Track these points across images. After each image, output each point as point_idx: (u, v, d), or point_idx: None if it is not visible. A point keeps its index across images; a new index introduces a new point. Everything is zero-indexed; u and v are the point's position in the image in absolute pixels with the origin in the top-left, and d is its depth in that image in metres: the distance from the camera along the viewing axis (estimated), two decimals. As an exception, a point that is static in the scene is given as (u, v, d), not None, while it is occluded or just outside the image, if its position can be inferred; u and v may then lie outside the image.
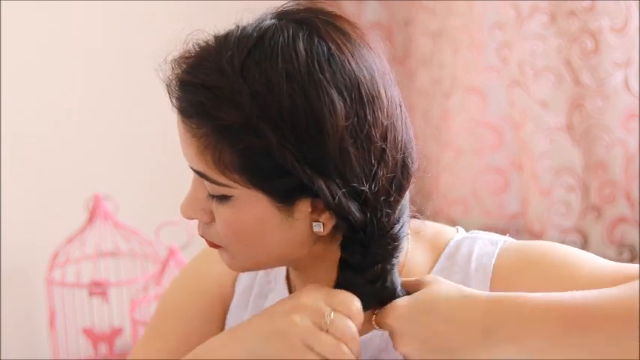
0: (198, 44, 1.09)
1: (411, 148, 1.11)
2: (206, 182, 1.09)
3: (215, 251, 1.28)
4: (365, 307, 1.08)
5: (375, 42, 1.11)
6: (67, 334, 2.28)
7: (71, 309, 2.26)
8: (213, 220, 1.12)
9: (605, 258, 2.31)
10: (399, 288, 1.10)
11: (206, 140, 1.06)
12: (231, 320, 1.28)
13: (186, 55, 1.09)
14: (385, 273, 1.09)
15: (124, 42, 2.40)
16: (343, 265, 1.10)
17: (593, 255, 1.14)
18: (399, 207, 1.10)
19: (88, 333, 2.26)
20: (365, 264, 1.08)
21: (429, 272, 1.18)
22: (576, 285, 1.07)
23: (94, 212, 2.26)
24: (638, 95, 2.15)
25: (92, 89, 2.40)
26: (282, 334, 1.06)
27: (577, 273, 1.10)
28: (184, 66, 1.08)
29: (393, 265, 1.10)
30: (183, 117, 1.08)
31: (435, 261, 1.19)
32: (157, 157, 2.40)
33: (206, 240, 1.15)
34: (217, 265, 1.27)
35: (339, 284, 1.09)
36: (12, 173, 2.30)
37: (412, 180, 1.11)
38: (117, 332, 2.27)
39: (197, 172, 1.10)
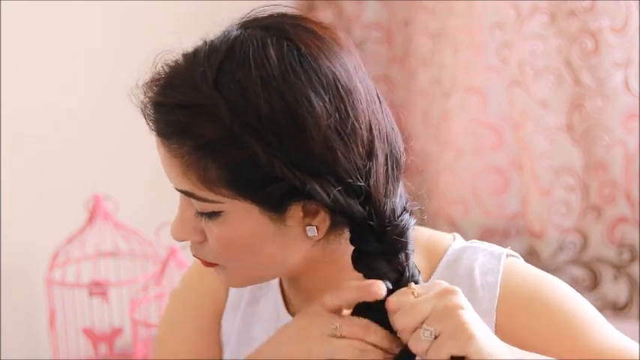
0: (167, 65, 1.08)
1: (396, 139, 1.10)
2: (194, 201, 1.08)
3: None
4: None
5: (345, 39, 1.10)
6: (67, 334, 2.28)
7: (71, 309, 2.25)
8: (205, 239, 1.11)
9: (605, 258, 2.33)
10: (417, 274, 1.09)
11: (189, 159, 1.06)
12: (224, 324, 1.28)
13: (157, 77, 1.08)
14: (408, 259, 1.08)
15: (124, 42, 2.40)
16: (362, 255, 1.08)
17: (600, 318, 1.14)
18: (397, 197, 1.09)
19: (88, 333, 2.26)
20: (385, 252, 1.07)
21: (425, 279, 1.16)
22: (574, 351, 1.09)
23: (94, 212, 2.26)
24: (638, 95, 2.15)
25: (92, 89, 2.40)
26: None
27: (582, 341, 1.11)
28: (156, 88, 1.07)
29: (411, 252, 1.09)
30: (163, 139, 1.08)
31: (433, 268, 1.17)
32: (157, 157, 2.40)
33: (200, 260, 1.14)
34: (207, 277, 1.27)
35: (364, 273, 1.08)
36: (12, 173, 2.30)
37: (403, 170, 1.11)
38: (117, 332, 2.26)
39: (183, 192, 1.09)
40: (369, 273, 1.08)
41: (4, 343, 2.33)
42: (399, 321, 1.04)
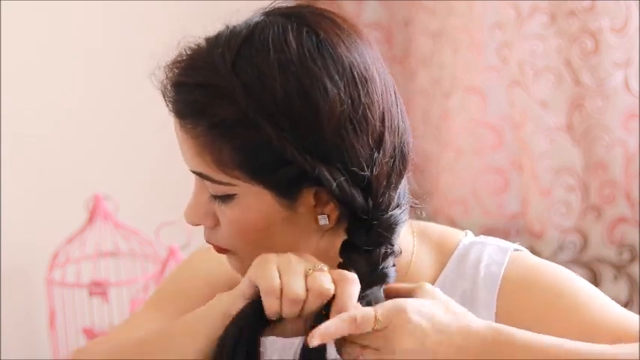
0: (189, 47, 1.10)
1: (407, 135, 1.11)
2: (208, 183, 1.09)
3: None
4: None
5: (365, 34, 1.11)
6: (67, 334, 2.28)
7: (71, 309, 2.25)
8: (218, 223, 1.12)
9: (605, 258, 2.33)
10: (392, 276, 1.09)
11: (204, 139, 1.07)
12: None
13: (178, 59, 1.10)
14: (386, 256, 1.08)
15: (124, 42, 2.40)
16: (348, 246, 1.09)
17: (601, 295, 1.13)
18: (398, 192, 1.10)
19: (88, 333, 2.26)
20: (367, 244, 1.08)
21: (436, 275, 1.17)
22: (576, 326, 1.08)
23: (94, 212, 2.26)
24: (638, 95, 2.15)
25: (92, 89, 2.40)
26: (268, 259, 1.05)
27: (582, 316, 1.10)
28: (177, 70, 1.09)
29: (393, 251, 1.09)
30: (180, 118, 1.09)
31: (444, 263, 1.18)
32: (157, 157, 2.40)
33: (213, 245, 1.14)
34: (217, 267, 1.26)
35: (343, 265, 1.08)
36: (12, 173, 2.30)
37: (409, 167, 1.11)
38: (117, 332, 2.26)
39: (198, 174, 1.10)
40: (346, 263, 1.08)
41: (4, 343, 2.33)
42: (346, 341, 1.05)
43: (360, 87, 1.06)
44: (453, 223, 2.37)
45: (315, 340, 1.02)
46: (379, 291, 1.09)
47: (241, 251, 1.12)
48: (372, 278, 1.08)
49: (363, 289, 1.07)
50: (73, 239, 2.26)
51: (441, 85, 2.37)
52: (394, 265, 1.10)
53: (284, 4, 1.11)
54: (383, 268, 1.08)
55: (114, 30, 2.41)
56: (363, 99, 1.06)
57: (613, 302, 1.13)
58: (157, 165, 2.45)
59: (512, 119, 2.28)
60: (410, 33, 2.45)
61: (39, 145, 2.34)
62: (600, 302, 1.12)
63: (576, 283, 1.14)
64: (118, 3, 2.38)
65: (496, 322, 1.11)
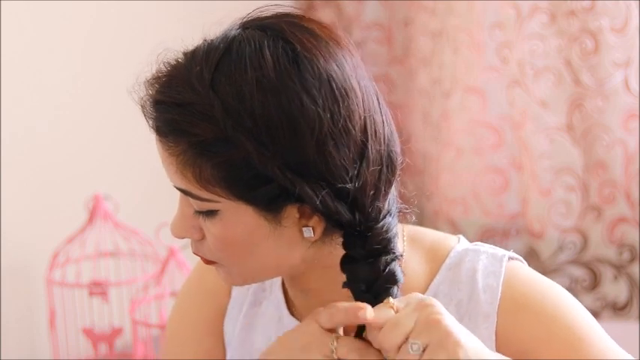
0: (168, 63, 1.09)
1: (394, 141, 1.09)
2: (191, 199, 1.09)
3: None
4: (368, 300, 1.07)
5: (344, 38, 1.10)
6: (67, 334, 2.27)
7: (71, 309, 2.25)
8: (204, 236, 1.11)
9: (605, 258, 2.32)
10: (400, 281, 1.08)
11: (184, 157, 1.06)
12: (227, 324, 1.28)
13: (158, 75, 1.09)
14: (389, 264, 1.08)
15: (124, 41, 2.40)
16: (348, 260, 1.08)
17: (599, 329, 1.13)
18: (386, 200, 1.09)
19: (88, 333, 2.26)
20: (367, 256, 1.07)
21: (427, 282, 1.16)
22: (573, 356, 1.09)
23: (94, 212, 2.26)
24: (638, 95, 2.15)
25: (92, 89, 2.40)
26: None
27: (581, 351, 1.10)
28: (157, 86, 1.08)
29: (396, 256, 1.09)
30: (160, 136, 1.08)
31: (435, 271, 1.17)
32: (157, 157, 2.40)
33: (200, 257, 1.14)
34: (210, 276, 1.27)
35: (348, 280, 1.08)
36: (12, 173, 2.30)
37: (398, 173, 1.10)
38: (117, 332, 2.26)
39: (181, 190, 1.10)
40: (351, 278, 1.08)
41: (4, 343, 2.33)
42: (384, 339, 1.03)
43: (339, 100, 1.04)
44: (453, 223, 2.37)
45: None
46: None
47: (228, 264, 1.12)
48: (381, 284, 1.07)
49: (376, 297, 1.07)
50: (73, 239, 2.26)
51: (441, 85, 2.37)
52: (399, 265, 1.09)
53: (262, 14, 1.10)
54: (389, 271, 1.07)
55: (114, 29, 2.41)
56: (342, 111, 1.04)
57: (611, 340, 1.12)
58: (157, 165, 2.43)
59: (512, 119, 2.28)
60: (410, 33, 2.45)
61: (39, 145, 2.34)
62: (599, 339, 1.12)
63: (576, 313, 1.13)
64: (118, 3, 2.38)
65: (496, 335, 1.12)
